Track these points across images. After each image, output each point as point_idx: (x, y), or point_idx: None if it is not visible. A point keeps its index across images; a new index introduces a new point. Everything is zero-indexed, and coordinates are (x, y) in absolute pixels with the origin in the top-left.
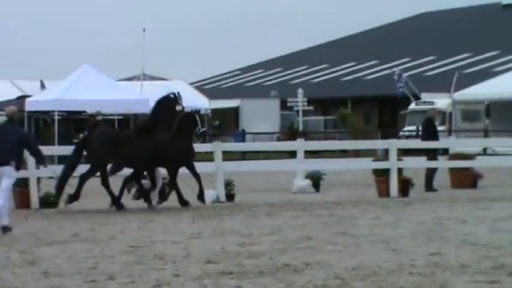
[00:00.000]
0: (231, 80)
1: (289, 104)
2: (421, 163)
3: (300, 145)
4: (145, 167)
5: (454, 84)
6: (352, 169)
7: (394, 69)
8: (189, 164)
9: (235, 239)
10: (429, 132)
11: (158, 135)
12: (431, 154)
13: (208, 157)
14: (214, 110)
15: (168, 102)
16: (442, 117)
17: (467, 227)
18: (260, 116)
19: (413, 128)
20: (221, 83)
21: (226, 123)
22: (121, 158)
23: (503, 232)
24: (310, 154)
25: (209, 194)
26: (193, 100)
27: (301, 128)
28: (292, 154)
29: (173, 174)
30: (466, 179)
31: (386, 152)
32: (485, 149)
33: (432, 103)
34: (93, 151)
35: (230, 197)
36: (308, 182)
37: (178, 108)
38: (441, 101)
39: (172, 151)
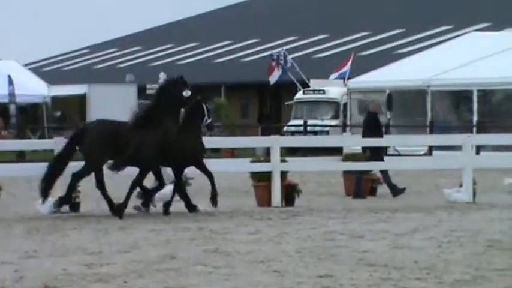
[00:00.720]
0: (77, 60)
1: (149, 91)
2: (311, 166)
3: None
4: (154, 166)
5: (347, 69)
6: (226, 172)
7: (277, 49)
8: (199, 161)
9: (81, 259)
10: (371, 128)
11: (164, 127)
12: (375, 154)
13: (49, 156)
14: (55, 98)
15: (173, 88)
16: (335, 109)
17: (364, 243)
18: (113, 106)
19: (301, 121)
20: (64, 64)
21: (70, 115)
22: (122, 157)
23: (406, 249)
24: None
25: (45, 204)
26: (28, 86)
27: None
28: None
29: (179, 174)
30: (363, 185)
31: (267, 151)
32: (386, 148)
33: (323, 92)
34: (89, 147)
35: (74, 206)
36: (171, 188)
37: (185, 94)
38: (334, 90)
39: (181, 147)
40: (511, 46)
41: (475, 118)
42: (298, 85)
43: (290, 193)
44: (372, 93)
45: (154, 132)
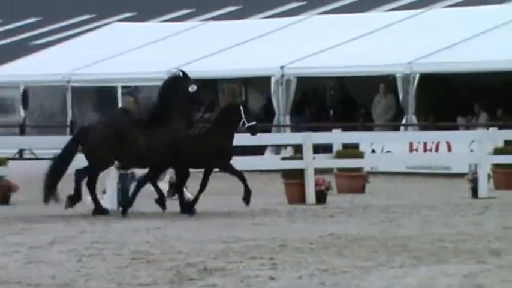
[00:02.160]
0: None
1: None
2: None
3: None
4: (164, 167)
5: None
6: None
7: None
8: (225, 166)
9: None
10: None
11: (171, 126)
12: None
13: None
14: None
15: (179, 83)
16: None
17: None
18: None
19: None
20: None
21: None
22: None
23: (42, 264)
24: None
25: None
26: None
27: None
28: None
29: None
30: None
31: None
32: (21, 151)
33: None
34: (92, 146)
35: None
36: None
37: (191, 89)
38: None
39: (205, 149)
40: (160, 37)
41: None
42: None
43: None
44: (5, 88)
45: (164, 132)
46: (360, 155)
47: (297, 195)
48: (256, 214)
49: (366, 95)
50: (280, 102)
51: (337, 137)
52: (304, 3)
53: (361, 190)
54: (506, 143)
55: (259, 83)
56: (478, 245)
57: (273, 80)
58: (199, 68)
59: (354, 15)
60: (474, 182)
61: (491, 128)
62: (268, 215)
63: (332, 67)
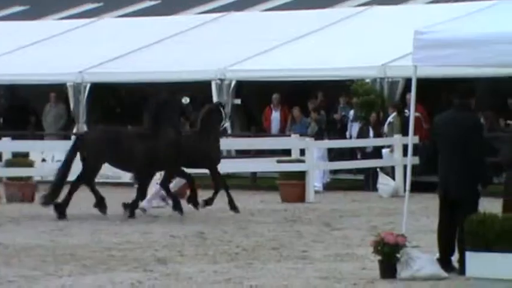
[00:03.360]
0: None
1: None
2: None
3: None
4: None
5: None
6: None
7: None
8: (213, 167)
9: None
10: None
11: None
12: None
13: None
14: None
15: (174, 98)
16: None
17: None
18: None
19: None
20: None
21: None
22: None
23: None
24: None
25: None
26: None
27: None
28: None
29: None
30: None
31: None
32: None
33: None
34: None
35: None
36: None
37: (184, 101)
38: None
39: (200, 151)
40: None
41: None
42: None
43: None
44: None
45: (163, 139)
46: (30, 164)
47: None
48: None
49: (38, 103)
50: None
51: (6, 146)
52: None
53: (31, 199)
54: None
55: None
56: (146, 253)
57: None
58: None
59: (27, 22)
60: None
61: None
62: None
63: (1, 75)
